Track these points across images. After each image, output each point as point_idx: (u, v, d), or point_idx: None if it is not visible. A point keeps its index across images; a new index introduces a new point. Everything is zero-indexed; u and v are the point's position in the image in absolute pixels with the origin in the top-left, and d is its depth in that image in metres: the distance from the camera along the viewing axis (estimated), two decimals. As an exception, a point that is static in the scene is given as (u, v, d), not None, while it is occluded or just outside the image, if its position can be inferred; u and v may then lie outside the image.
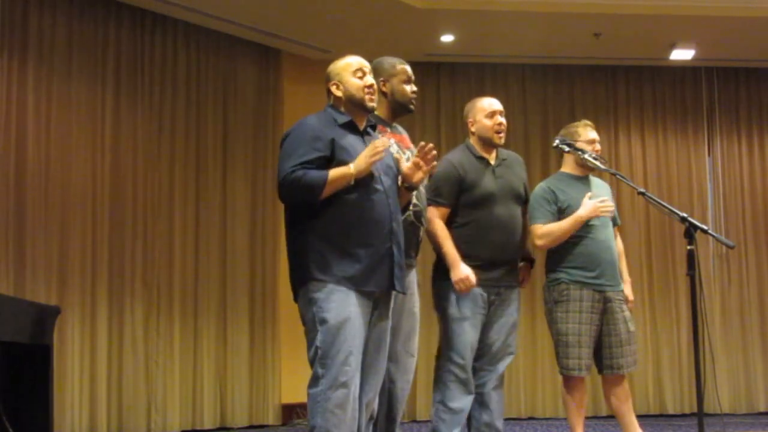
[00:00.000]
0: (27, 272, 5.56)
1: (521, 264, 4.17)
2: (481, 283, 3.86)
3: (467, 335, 3.87)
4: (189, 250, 6.52)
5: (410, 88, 3.70)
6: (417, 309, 3.65)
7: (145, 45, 6.42)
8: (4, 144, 5.56)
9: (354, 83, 3.25)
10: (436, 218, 3.86)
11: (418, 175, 3.24)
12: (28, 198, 5.63)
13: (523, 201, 4.13)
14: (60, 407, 5.46)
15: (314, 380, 3.03)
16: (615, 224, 4.40)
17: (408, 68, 3.72)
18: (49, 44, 5.88)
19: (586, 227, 4.17)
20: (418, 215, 3.54)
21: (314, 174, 3.03)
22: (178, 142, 6.57)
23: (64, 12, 5.97)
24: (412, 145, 3.72)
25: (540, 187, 4.33)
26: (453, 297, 3.87)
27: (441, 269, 3.93)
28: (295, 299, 3.19)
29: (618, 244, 4.39)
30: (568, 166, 4.34)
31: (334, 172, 3.04)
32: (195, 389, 6.44)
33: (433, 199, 3.88)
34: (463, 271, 3.79)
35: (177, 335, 6.36)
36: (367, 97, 3.25)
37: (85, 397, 5.82)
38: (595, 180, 4.39)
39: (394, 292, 3.24)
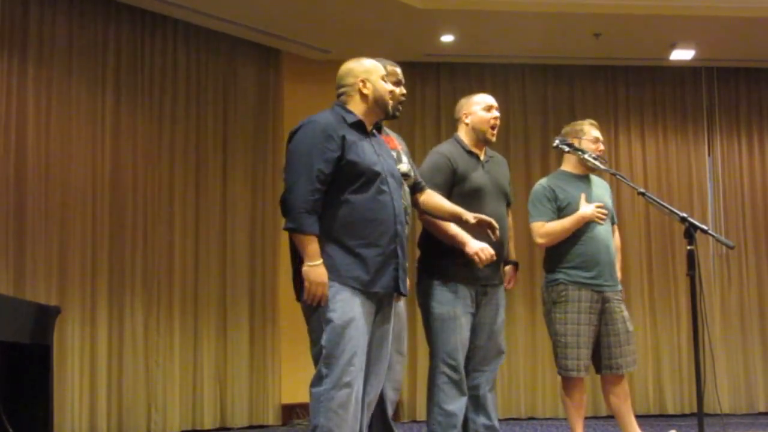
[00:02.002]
0: (27, 272, 5.55)
1: (507, 267, 4.16)
2: (469, 281, 3.83)
3: (457, 335, 3.82)
4: (189, 250, 6.52)
5: (399, 91, 3.66)
6: (403, 309, 3.62)
7: (145, 45, 6.42)
8: (4, 144, 5.56)
9: (383, 86, 3.26)
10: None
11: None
12: (28, 198, 5.63)
13: (508, 201, 4.12)
14: (60, 407, 5.46)
15: (318, 379, 3.03)
16: (612, 223, 4.40)
17: (398, 70, 3.68)
18: (49, 44, 5.88)
19: (584, 226, 4.18)
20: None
21: (308, 224, 3.01)
22: (178, 142, 6.57)
23: (64, 12, 5.97)
24: (399, 146, 3.68)
25: (540, 184, 4.34)
26: (441, 296, 3.82)
27: (429, 267, 3.89)
28: (298, 299, 3.18)
29: (615, 240, 4.40)
30: (569, 165, 4.34)
31: (311, 247, 3.02)
32: (195, 389, 6.44)
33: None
34: (479, 242, 3.69)
35: (177, 335, 6.36)
36: (392, 102, 3.29)
37: (85, 397, 5.82)
38: (595, 179, 4.39)
39: (395, 294, 3.24)
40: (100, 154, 6.09)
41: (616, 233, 4.46)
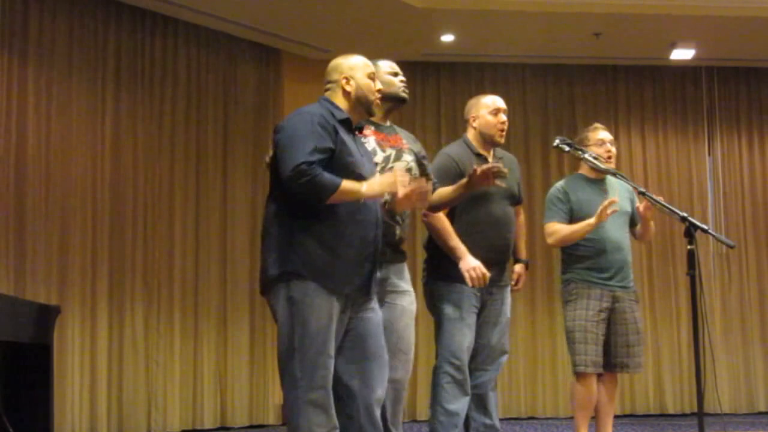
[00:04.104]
0: (27, 272, 5.56)
1: (517, 265, 4.17)
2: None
3: (463, 336, 3.83)
4: (189, 250, 6.52)
5: (399, 79, 3.63)
6: (413, 306, 3.55)
7: (145, 45, 6.42)
8: (4, 144, 5.56)
9: (368, 84, 3.19)
10: (438, 212, 3.78)
11: (403, 206, 3.21)
12: (29, 198, 5.63)
13: (517, 201, 4.12)
14: (60, 407, 5.46)
15: (292, 383, 2.95)
16: (632, 225, 4.40)
17: (393, 63, 3.67)
18: (50, 44, 5.88)
19: (600, 229, 4.17)
20: (392, 214, 3.39)
21: (327, 178, 2.91)
22: (178, 141, 6.57)
23: (65, 12, 5.97)
24: (406, 144, 3.61)
25: (554, 187, 4.41)
26: (447, 297, 3.83)
27: (435, 269, 3.89)
28: (264, 293, 3.08)
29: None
30: (584, 168, 4.36)
31: (347, 185, 2.92)
32: (195, 389, 6.44)
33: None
34: (474, 260, 3.70)
35: (177, 335, 6.36)
36: (376, 101, 3.23)
37: (86, 396, 5.82)
38: (613, 182, 4.33)
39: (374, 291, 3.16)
40: (100, 154, 6.09)
41: (651, 224, 4.44)
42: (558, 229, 4.23)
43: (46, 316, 4.38)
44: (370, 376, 3.09)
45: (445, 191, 3.65)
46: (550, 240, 4.30)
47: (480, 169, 3.42)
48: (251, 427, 6.71)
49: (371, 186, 2.97)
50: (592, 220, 4.10)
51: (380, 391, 3.13)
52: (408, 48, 7.13)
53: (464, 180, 3.52)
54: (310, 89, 6.89)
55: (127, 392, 6.05)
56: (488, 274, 3.71)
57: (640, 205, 4.21)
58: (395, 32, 6.82)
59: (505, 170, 3.46)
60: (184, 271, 6.48)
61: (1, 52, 5.59)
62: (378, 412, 3.12)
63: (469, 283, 3.70)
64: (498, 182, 3.46)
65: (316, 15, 6.55)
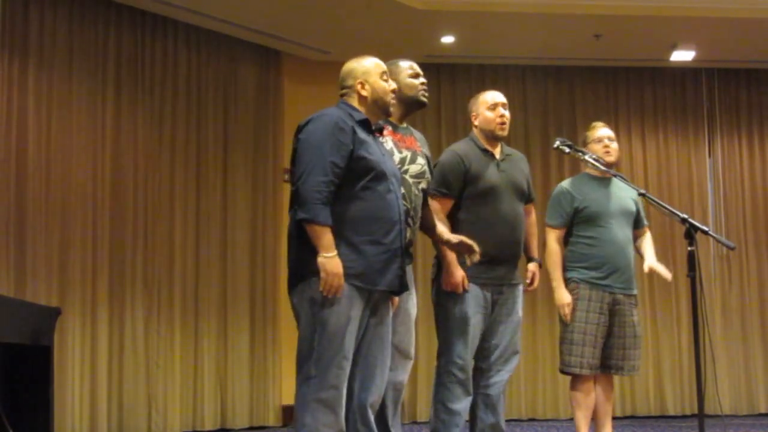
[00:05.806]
0: (27, 273, 5.56)
1: (531, 264, 4.16)
2: (483, 281, 3.83)
3: (468, 335, 3.82)
4: (189, 250, 6.52)
5: (420, 81, 3.67)
6: (414, 309, 3.59)
7: (145, 46, 6.43)
8: (4, 145, 5.56)
9: (383, 86, 3.25)
10: (439, 212, 3.79)
11: (454, 250, 3.56)
12: (29, 199, 5.63)
13: (527, 198, 4.13)
14: (60, 408, 5.46)
15: (305, 380, 3.00)
16: (639, 226, 4.41)
17: (414, 64, 3.71)
18: (50, 46, 5.88)
19: (603, 228, 4.19)
20: (405, 215, 3.41)
21: (323, 215, 2.96)
22: (178, 143, 6.57)
23: (65, 14, 5.98)
24: (420, 148, 3.65)
25: (558, 187, 4.42)
26: (454, 295, 3.82)
27: (442, 266, 3.89)
28: (290, 290, 3.13)
29: (644, 242, 4.45)
30: (589, 168, 4.36)
31: (326, 238, 2.95)
32: (195, 390, 6.44)
33: (438, 191, 3.82)
34: (456, 276, 3.76)
35: (177, 336, 6.36)
36: (392, 101, 3.28)
37: (86, 398, 5.82)
38: (618, 182, 4.37)
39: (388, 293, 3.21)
40: (101, 155, 6.10)
41: (647, 234, 4.48)
42: (552, 250, 4.30)
43: (47, 317, 4.38)
44: (372, 381, 3.12)
45: (433, 226, 3.64)
46: (545, 248, 4.33)
47: (461, 241, 3.50)
48: (252, 428, 6.71)
49: (328, 262, 2.95)
50: (557, 296, 4.24)
51: (377, 396, 3.16)
52: (408, 49, 7.07)
53: (447, 237, 3.56)
54: (310, 90, 6.96)
55: (127, 394, 6.04)
56: (460, 291, 3.80)
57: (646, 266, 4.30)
58: (395, 34, 6.82)
59: (476, 258, 3.49)
60: (185, 272, 6.48)
61: (2, 52, 5.59)
62: (371, 416, 3.14)
63: (443, 287, 3.80)
64: (466, 258, 3.51)
65: (316, 17, 6.55)
